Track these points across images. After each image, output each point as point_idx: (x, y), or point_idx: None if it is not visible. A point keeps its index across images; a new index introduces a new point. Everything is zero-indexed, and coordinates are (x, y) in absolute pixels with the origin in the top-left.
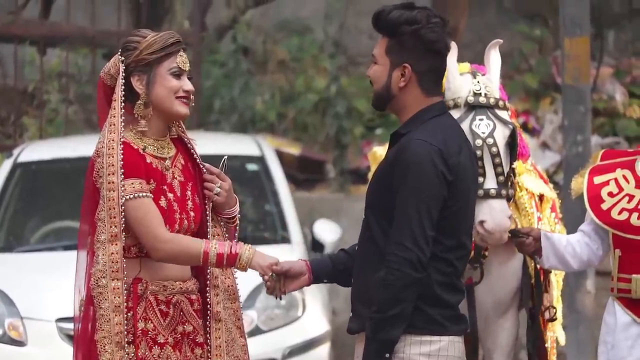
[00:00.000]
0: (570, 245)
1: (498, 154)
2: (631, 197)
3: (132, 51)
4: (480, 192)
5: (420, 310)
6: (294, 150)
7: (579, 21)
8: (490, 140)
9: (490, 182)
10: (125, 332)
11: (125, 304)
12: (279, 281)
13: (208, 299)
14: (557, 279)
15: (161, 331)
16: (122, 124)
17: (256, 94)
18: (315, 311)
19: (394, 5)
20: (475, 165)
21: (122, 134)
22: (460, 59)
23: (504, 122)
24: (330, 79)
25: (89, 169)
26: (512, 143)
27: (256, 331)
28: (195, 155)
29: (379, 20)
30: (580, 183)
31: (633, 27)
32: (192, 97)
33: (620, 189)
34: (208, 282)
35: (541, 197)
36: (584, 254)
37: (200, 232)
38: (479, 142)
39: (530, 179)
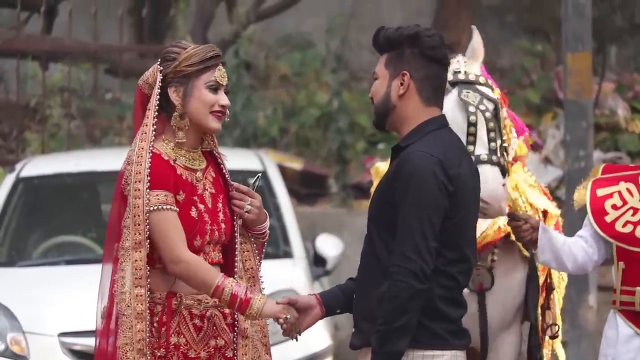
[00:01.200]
0: (567, 245)
1: (492, 119)
2: (636, 210)
3: (171, 62)
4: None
5: (423, 325)
6: (296, 165)
7: (581, 36)
8: (482, 107)
9: (480, 149)
10: (158, 346)
11: (159, 318)
12: (294, 322)
13: (236, 315)
14: (558, 297)
15: (193, 346)
16: (154, 133)
17: (258, 109)
18: (317, 326)
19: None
20: (476, 179)
21: (152, 144)
22: None
23: (487, 97)
24: (332, 93)
25: (118, 177)
26: (496, 117)
27: None
28: (224, 171)
29: (378, 38)
30: (583, 195)
31: (635, 42)
32: (227, 112)
33: (625, 202)
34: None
35: (545, 214)
36: (579, 256)
37: (230, 246)
38: (471, 108)
39: (535, 194)
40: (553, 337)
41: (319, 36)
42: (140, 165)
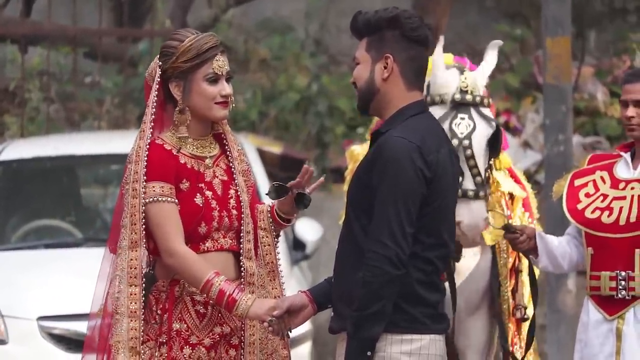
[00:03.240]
0: (562, 246)
1: (472, 157)
2: (605, 196)
3: (170, 57)
4: (459, 192)
5: (401, 309)
6: (275, 149)
7: (560, 21)
8: (466, 142)
9: (468, 183)
10: (160, 333)
11: (162, 305)
12: (282, 322)
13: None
14: (528, 279)
15: (195, 332)
16: (152, 130)
17: (237, 93)
18: None
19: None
20: (455, 164)
21: (158, 135)
22: None
23: (488, 119)
24: (312, 77)
25: (124, 173)
26: (494, 141)
27: None
28: (231, 157)
29: (356, 23)
30: (561, 186)
31: (614, 27)
32: (232, 98)
33: (597, 190)
34: (242, 279)
35: (512, 196)
36: (574, 255)
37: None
38: (455, 142)
39: (500, 176)
40: (522, 319)
41: (298, 20)
42: (138, 164)
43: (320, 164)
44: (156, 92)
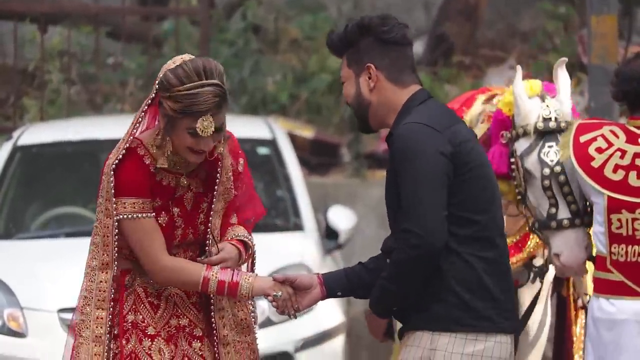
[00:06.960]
0: None
1: (567, 183)
2: (623, 152)
3: (164, 91)
4: (553, 223)
5: (467, 305)
6: (306, 133)
7: None
8: (558, 168)
9: (562, 213)
10: (112, 324)
11: (113, 295)
12: (290, 299)
13: (213, 323)
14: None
15: (151, 323)
16: (139, 140)
17: (267, 75)
18: (329, 301)
19: None
20: (476, 139)
21: (143, 142)
22: (481, 38)
23: None
24: None
25: (101, 178)
26: None
27: (267, 323)
28: (219, 178)
29: (332, 42)
30: (567, 142)
31: None
32: (216, 149)
33: (609, 144)
34: (212, 306)
35: None
36: None
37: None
38: (546, 171)
39: None
40: (584, 307)
41: None
42: (112, 182)
43: (354, 149)
44: (143, 113)
